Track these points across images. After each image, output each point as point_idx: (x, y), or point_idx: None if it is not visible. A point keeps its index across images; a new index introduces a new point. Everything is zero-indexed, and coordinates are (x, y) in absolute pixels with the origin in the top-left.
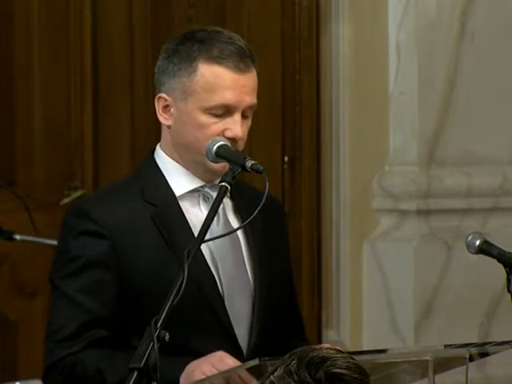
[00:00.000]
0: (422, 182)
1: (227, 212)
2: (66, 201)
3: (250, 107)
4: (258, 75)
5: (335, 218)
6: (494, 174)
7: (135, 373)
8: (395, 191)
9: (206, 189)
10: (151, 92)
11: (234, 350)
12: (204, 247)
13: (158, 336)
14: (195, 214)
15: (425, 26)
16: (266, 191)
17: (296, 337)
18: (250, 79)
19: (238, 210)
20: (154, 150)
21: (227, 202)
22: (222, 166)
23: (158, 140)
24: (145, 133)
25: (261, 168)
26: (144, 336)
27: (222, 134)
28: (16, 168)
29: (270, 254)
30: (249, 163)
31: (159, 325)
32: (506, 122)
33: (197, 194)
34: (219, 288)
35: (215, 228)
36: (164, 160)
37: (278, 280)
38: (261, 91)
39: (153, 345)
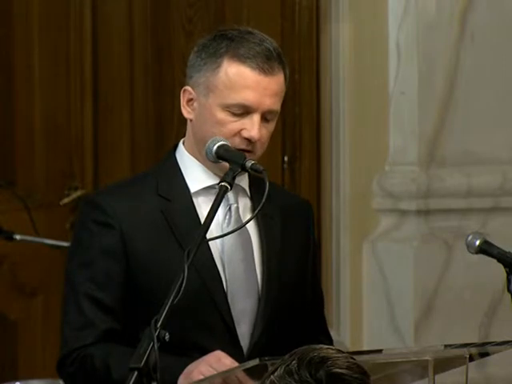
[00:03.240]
0: (422, 182)
1: (243, 212)
2: (66, 201)
3: (271, 112)
4: None
5: (335, 218)
6: (494, 174)
7: (135, 373)
8: (395, 191)
9: None
10: (151, 92)
11: (234, 347)
12: (214, 246)
13: (157, 336)
14: (208, 211)
15: (425, 25)
16: (266, 191)
17: (312, 338)
18: (273, 83)
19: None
20: (176, 145)
21: (245, 202)
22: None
23: (158, 140)
24: (145, 133)
25: (261, 168)
26: (144, 336)
27: (238, 133)
28: (16, 168)
29: (285, 258)
30: (249, 163)
31: (159, 324)
32: (506, 122)
33: (212, 191)
34: (224, 285)
35: (225, 227)
36: (183, 155)
37: (291, 283)
38: None
39: (153, 345)
